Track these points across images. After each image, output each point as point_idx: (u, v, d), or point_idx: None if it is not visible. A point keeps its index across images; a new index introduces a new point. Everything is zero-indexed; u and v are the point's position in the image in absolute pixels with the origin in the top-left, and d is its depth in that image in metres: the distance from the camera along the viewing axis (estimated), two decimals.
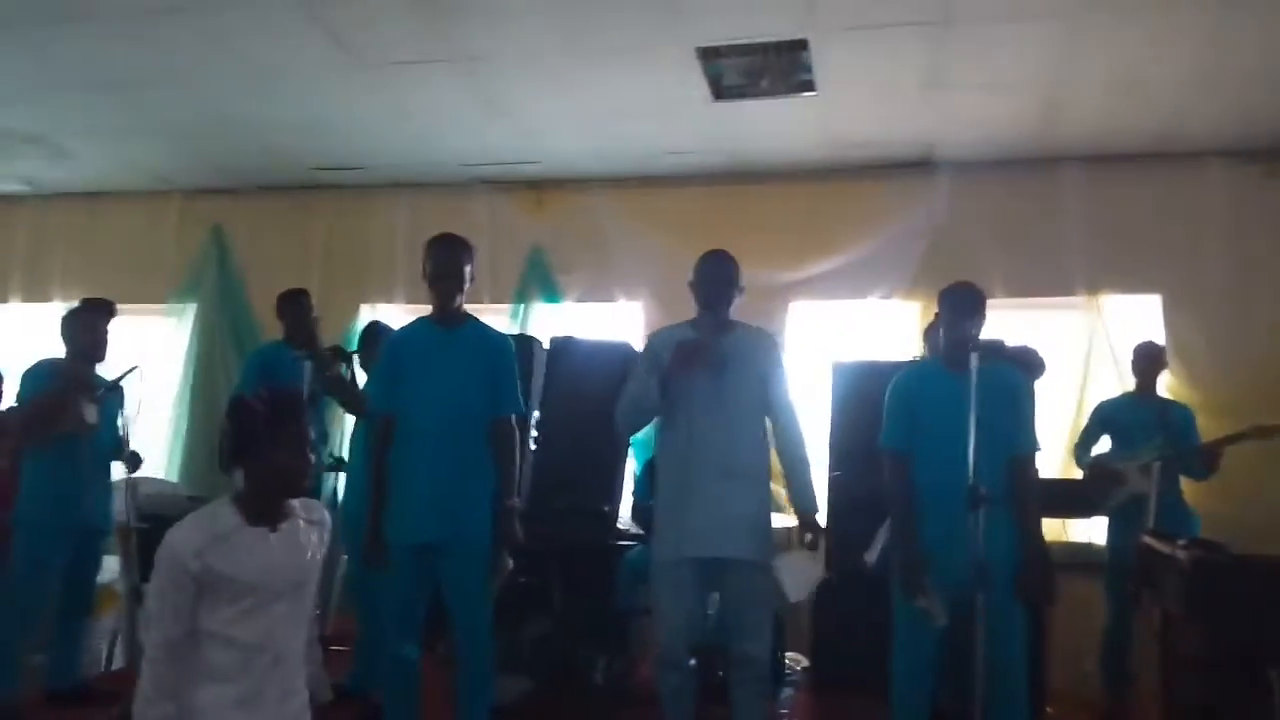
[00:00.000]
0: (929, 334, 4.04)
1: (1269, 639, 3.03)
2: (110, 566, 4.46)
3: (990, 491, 2.93)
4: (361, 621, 4.13)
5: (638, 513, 4.88)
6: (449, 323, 3.31)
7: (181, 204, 6.74)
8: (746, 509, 3.12)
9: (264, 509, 2.14)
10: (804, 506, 3.22)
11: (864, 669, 4.20)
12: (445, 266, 3.24)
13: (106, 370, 4.09)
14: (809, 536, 3.21)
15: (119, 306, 4.41)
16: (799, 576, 3.10)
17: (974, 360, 3.02)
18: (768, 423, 3.25)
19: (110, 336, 4.10)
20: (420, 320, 3.42)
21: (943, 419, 3.05)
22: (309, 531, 2.24)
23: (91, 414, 3.82)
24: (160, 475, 5.99)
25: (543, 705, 3.99)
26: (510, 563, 3.22)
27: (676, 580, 3.12)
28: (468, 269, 3.28)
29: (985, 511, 2.90)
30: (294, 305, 4.53)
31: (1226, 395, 4.82)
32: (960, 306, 3.18)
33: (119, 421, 3.99)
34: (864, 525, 4.02)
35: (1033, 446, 3.20)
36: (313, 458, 2.19)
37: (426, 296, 3.33)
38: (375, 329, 4.51)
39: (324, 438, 4.62)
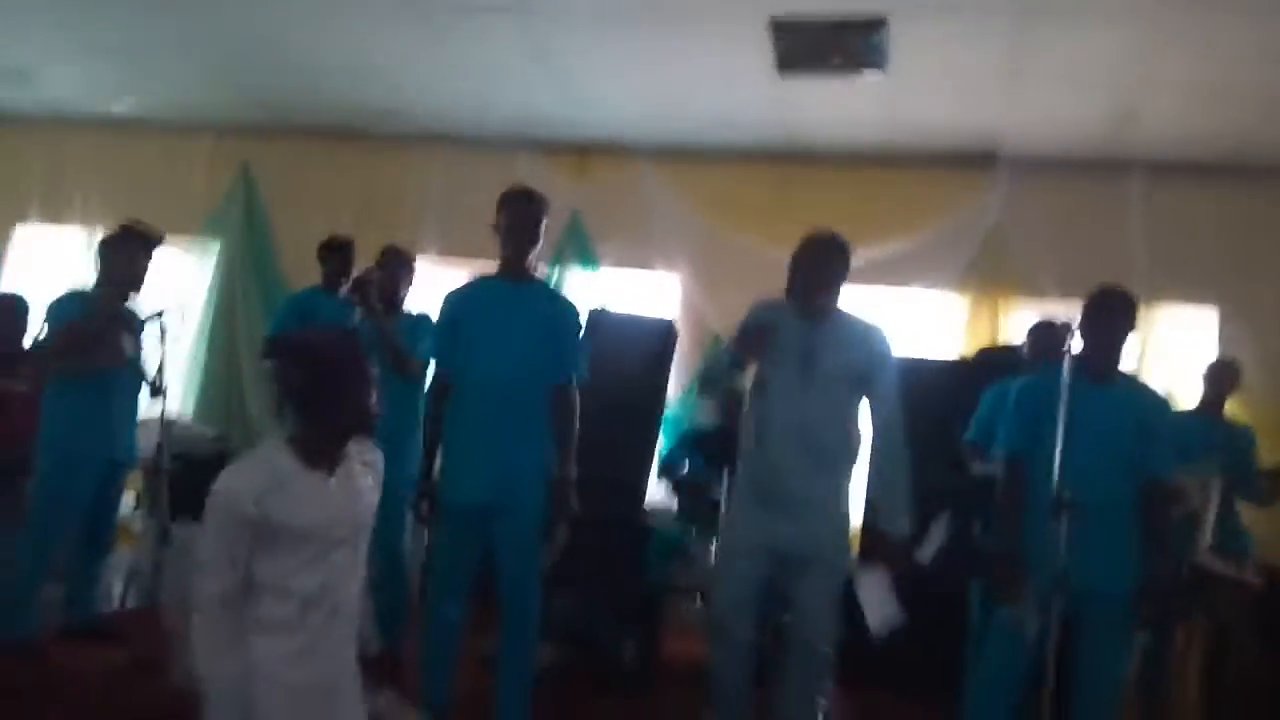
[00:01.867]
0: (1035, 334, 3.91)
1: None
2: (125, 502, 4.34)
3: (1097, 503, 2.81)
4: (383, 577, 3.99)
5: (672, 482, 4.78)
6: (517, 280, 3.17)
7: (213, 139, 6.56)
8: (827, 508, 3.00)
9: (323, 453, 2.04)
10: (889, 526, 3.00)
11: (892, 666, 4.16)
12: (521, 219, 3.11)
13: (139, 302, 3.95)
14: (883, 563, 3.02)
15: None
16: (878, 602, 2.95)
17: (1068, 364, 2.90)
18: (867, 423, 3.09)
19: (150, 269, 3.93)
20: (485, 277, 3.29)
21: (1074, 427, 2.83)
22: (364, 474, 2.15)
23: (130, 345, 3.68)
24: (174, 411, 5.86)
25: (569, 678, 3.88)
26: (567, 533, 3.10)
27: (741, 564, 3.05)
28: (543, 225, 3.15)
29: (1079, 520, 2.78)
30: (343, 253, 4.37)
31: (1277, 415, 4.73)
32: (1113, 311, 2.99)
33: (155, 355, 3.84)
34: (911, 523, 3.94)
35: (1169, 470, 3.04)
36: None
37: (458, 250, 3.19)
38: (338, 244, 4.36)
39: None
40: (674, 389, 5.39)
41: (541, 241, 3.17)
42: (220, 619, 1.92)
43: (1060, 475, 2.82)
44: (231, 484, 1.94)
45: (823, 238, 3.10)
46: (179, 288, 6.30)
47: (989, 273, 5.31)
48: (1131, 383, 3.08)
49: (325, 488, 2.03)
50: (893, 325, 5.37)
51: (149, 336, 3.88)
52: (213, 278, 6.47)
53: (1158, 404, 3.10)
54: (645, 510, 4.72)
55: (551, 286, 3.36)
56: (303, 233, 5.38)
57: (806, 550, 2.96)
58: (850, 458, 3.08)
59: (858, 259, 5.30)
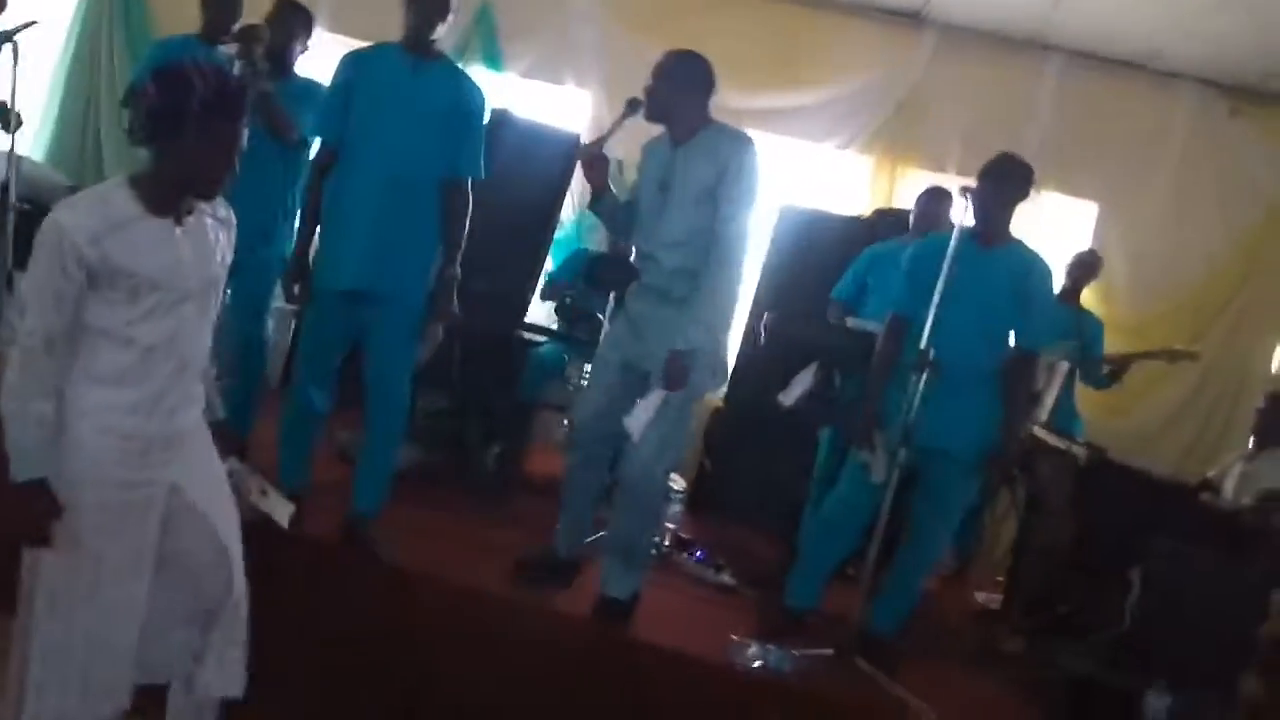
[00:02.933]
0: (929, 201, 3.92)
1: (1135, 543, 3.27)
2: None
3: (962, 366, 2.94)
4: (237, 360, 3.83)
5: (557, 303, 4.75)
6: (421, 55, 2.94)
7: None
8: (677, 336, 2.82)
9: (169, 200, 1.91)
10: (678, 343, 2.77)
11: (747, 502, 4.38)
12: None
13: None
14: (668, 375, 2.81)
15: None
16: (641, 417, 2.85)
17: (956, 232, 2.97)
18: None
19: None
20: (385, 45, 3.02)
21: (953, 291, 2.93)
22: (217, 229, 2.05)
23: None
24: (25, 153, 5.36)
25: (432, 478, 3.93)
26: (441, 333, 3.05)
27: (604, 376, 3.06)
28: None
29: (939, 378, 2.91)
30: (224, 2, 3.93)
31: (1137, 316, 5.04)
32: (1008, 180, 3.04)
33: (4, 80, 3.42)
34: (778, 366, 4.06)
35: (1036, 343, 3.16)
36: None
37: (351, 28, 2.93)
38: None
39: None
40: (569, 208, 5.27)
41: (452, 14, 2.93)
42: (40, 359, 1.83)
43: (931, 336, 2.93)
44: (66, 220, 1.81)
45: (670, 53, 2.92)
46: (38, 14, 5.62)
47: (896, 137, 5.31)
48: (1021, 249, 3.12)
49: (172, 237, 1.92)
50: (798, 177, 5.47)
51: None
52: (74, 17, 5.79)
53: (1042, 273, 3.14)
54: (525, 325, 4.69)
55: (457, 65, 3.09)
56: None
57: (648, 370, 2.90)
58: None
59: (771, 103, 5.39)
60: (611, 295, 3.90)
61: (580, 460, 3.11)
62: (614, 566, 3.03)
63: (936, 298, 2.93)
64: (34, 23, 3.38)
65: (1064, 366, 4.23)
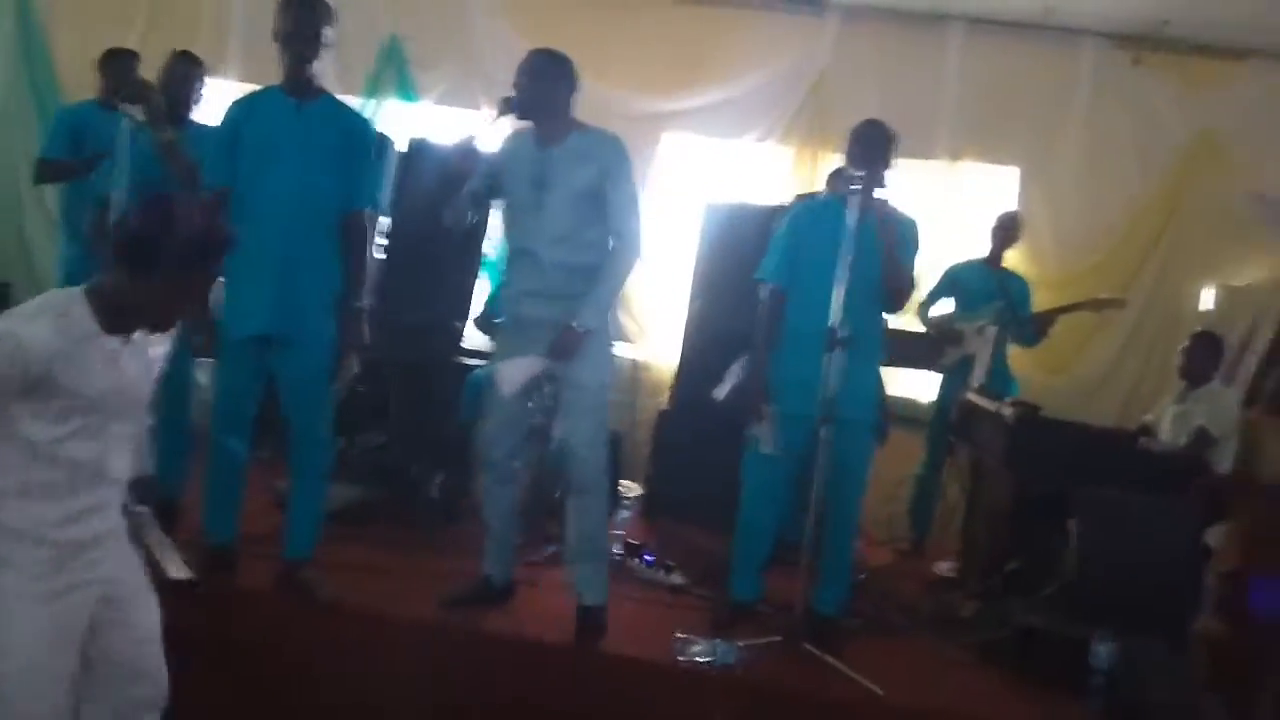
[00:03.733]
0: (834, 179, 3.96)
1: (1070, 494, 3.30)
2: None
3: (853, 333, 2.96)
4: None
5: (487, 328, 4.74)
6: (301, 95, 2.95)
7: None
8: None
9: (124, 322, 1.86)
10: (577, 320, 2.86)
11: (697, 501, 4.37)
12: (299, 24, 2.88)
13: None
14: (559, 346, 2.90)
15: None
16: (510, 375, 2.96)
17: (852, 202, 2.99)
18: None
19: None
20: (268, 89, 3.03)
21: (824, 255, 3.00)
22: (160, 342, 2.00)
23: None
24: None
25: (373, 515, 3.89)
26: (356, 365, 3.03)
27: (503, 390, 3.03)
28: (326, 31, 2.92)
29: (844, 351, 2.93)
30: (123, 63, 3.93)
31: (1065, 272, 5.09)
32: (869, 144, 3.13)
33: None
34: (717, 363, 4.07)
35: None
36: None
37: (262, 75, 3.00)
38: (117, 54, 3.96)
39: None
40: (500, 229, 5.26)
41: (326, 50, 2.94)
42: None
43: (840, 310, 2.96)
44: (24, 333, 1.74)
45: (537, 52, 2.99)
46: None
47: (812, 124, 5.34)
48: (883, 208, 3.13)
49: (119, 357, 1.87)
50: (718, 174, 5.50)
51: None
52: None
53: (907, 226, 3.24)
54: (460, 350, 4.68)
55: (339, 100, 3.10)
56: (85, 47, 4.79)
57: (556, 372, 2.94)
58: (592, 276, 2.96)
59: (686, 104, 5.43)
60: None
61: (494, 479, 3.12)
62: (586, 572, 3.04)
63: (842, 269, 2.95)
64: None
65: (992, 330, 4.28)
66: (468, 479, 4.35)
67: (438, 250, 4.53)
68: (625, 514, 3.96)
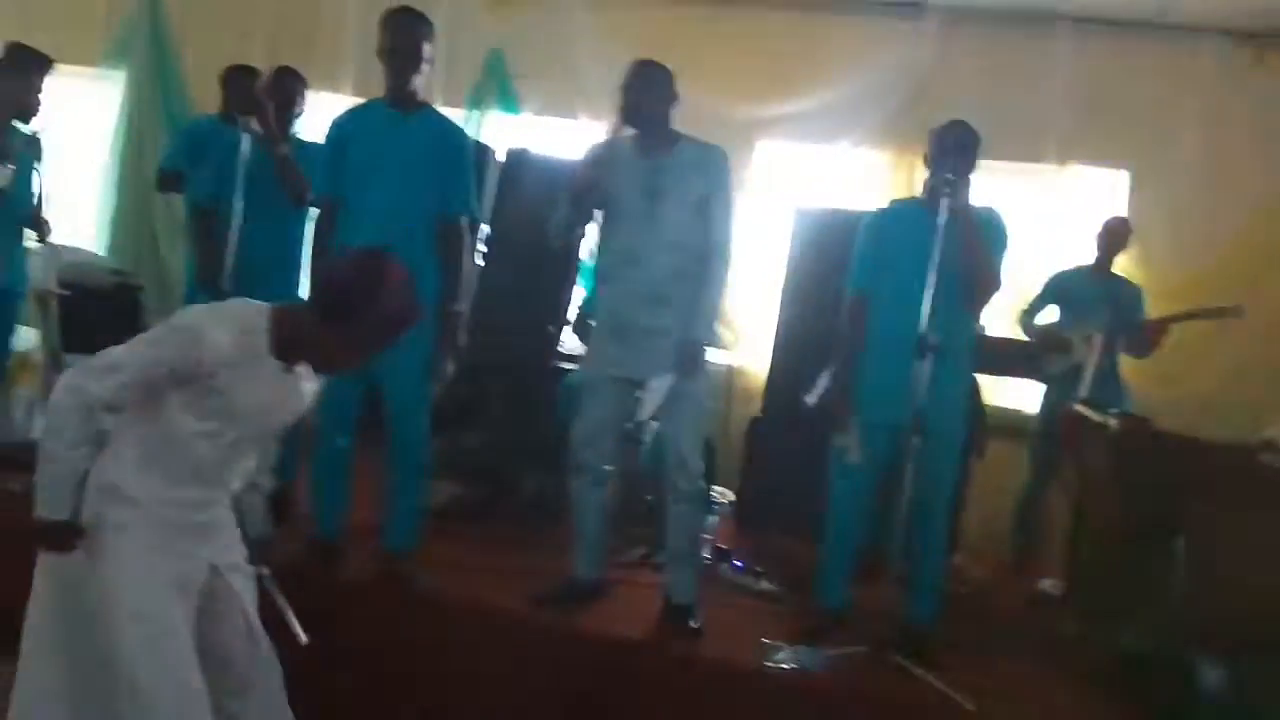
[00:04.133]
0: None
1: (1180, 512, 3.14)
2: (27, 335, 4.25)
3: (943, 340, 2.90)
4: None
5: (582, 331, 4.82)
6: (403, 107, 3.09)
7: None
8: (675, 337, 3.00)
9: (293, 354, 1.98)
10: (690, 333, 2.99)
11: (788, 508, 4.34)
12: (401, 41, 3.01)
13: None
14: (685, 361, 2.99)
15: None
16: (652, 399, 2.99)
17: (943, 205, 2.93)
18: None
19: (42, 96, 3.71)
20: (372, 102, 3.19)
21: (909, 261, 2.96)
22: (311, 379, 2.11)
23: (4, 176, 3.51)
24: (87, 247, 5.69)
25: (472, 512, 4.01)
26: (451, 368, 3.14)
27: (598, 394, 3.12)
28: (426, 47, 3.05)
29: (933, 359, 2.88)
30: (244, 81, 4.16)
31: (1179, 280, 4.83)
32: (950, 145, 3.08)
33: (34, 185, 3.69)
34: (807, 370, 4.04)
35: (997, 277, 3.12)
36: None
37: (375, 86, 3.13)
38: (239, 71, 4.17)
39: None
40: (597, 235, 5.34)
41: (426, 65, 3.07)
42: (89, 418, 1.86)
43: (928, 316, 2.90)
44: (208, 334, 1.87)
45: (644, 63, 3.06)
46: (84, 117, 6.02)
47: (911, 128, 5.23)
48: (962, 208, 3.04)
49: (277, 382, 1.99)
50: (815, 181, 5.45)
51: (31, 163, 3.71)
52: (120, 110, 6.17)
53: (996, 226, 3.16)
54: (558, 352, 4.77)
55: (439, 112, 3.22)
56: (212, 63, 5.06)
57: (642, 378, 3.00)
58: (698, 284, 3.04)
59: (785, 110, 5.40)
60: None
61: (587, 482, 3.17)
62: (679, 573, 3.12)
63: (932, 276, 2.89)
64: (37, 135, 3.58)
65: (1100, 339, 4.12)
66: (563, 480, 4.43)
67: (535, 257, 4.64)
68: (715, 519, 3.95)
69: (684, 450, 3.04)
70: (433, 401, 3.19)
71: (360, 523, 3.31)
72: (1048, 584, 4.15)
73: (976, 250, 2.99)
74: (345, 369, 2.03)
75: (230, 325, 1.91)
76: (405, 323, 1.95)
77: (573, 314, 4.86)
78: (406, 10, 3.05)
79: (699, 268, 3.01)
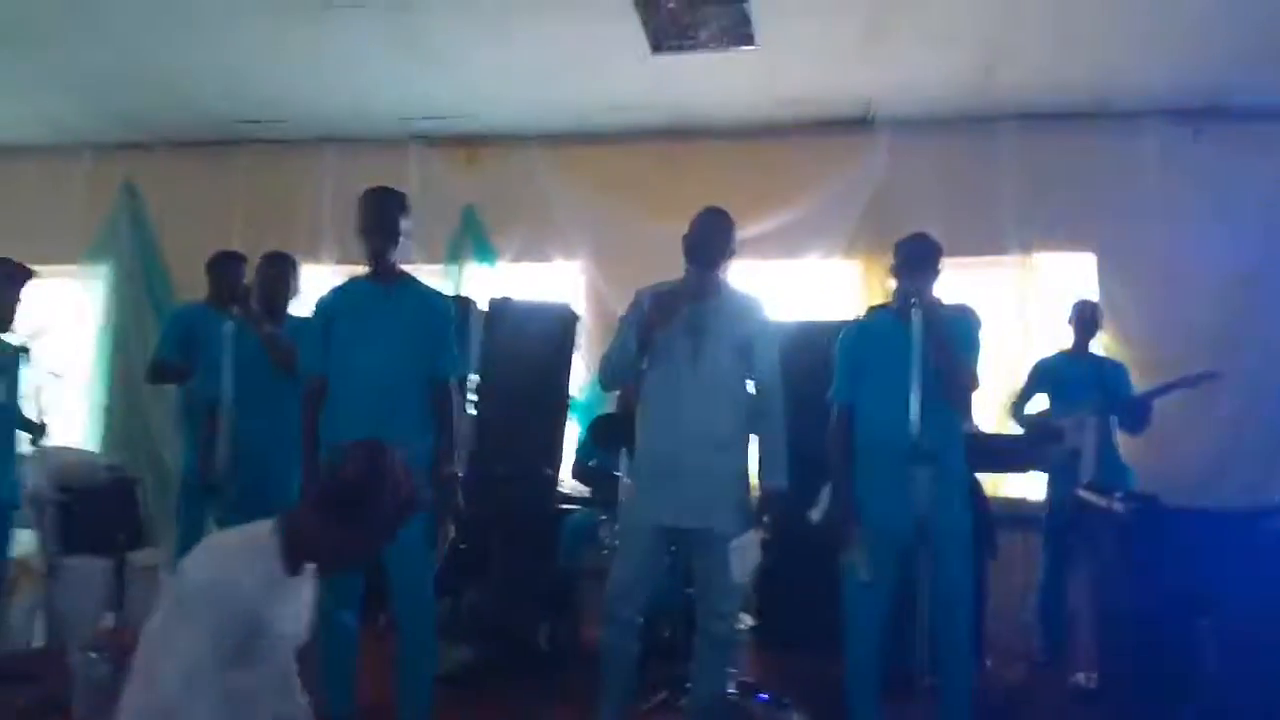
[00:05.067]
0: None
1: (1199, 589, 3.09)
2: (25, 539, 4.23)
3: (936, 445, 2.91)
4: None
5: (581, 473, 4.81)
6: (385, 280, 3.17)
7: (91, 160, 6.35)
8: (725, 481, 3.03)
9: (300, 561, 1.94)
10: (772, 482, 3.10)
11: (808, 628, 4.24)
12: (377, 219, 3.12)
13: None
14: (766, 518, 3.09)
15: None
16: (746, 557, 3.02)
17: (916, 315, 2.99)
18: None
19: (20, 304, 3.81)
20: (355, 278, 3.28)
21: (890, 370, 3.00)
22: (311, 582, 2.08)
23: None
24: (78, 445, 5.69)
25: (486, 672, 3.91)
26: (452, 531, 3.12)
27: (637, 544, 3.08)
28: (402, 222, 3.15)
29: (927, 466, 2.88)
30: (228, 267, 4.29)
31: (1156, 353, 4.89)
32: (913, 257, 3.15)
33: (21, 390, 3.73)
34: (805, 486, 4.02)
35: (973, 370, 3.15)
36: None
37: (356, 256, 3.24)
38: (223, 257, 4.31)
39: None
40: (584, 374, 5.40)
41: (404, 237, 3.17)
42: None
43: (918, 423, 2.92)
44: (225, 578, 1.80)
45: (712, 212, 3.17)
46: (68, 316, 6.13)
47: (876, 235, 5.40)
48: (931, 310, 3.08)
49: (296, 595, 1.97)
50: (789, 295, 5.55)
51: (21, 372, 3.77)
52: (105, 303, 6.29)
53: (966, 325, 3.21)
54: (557, 496, 4.75)
55: (419, 281, 3.31)
56: (194, 249, 5.23)
57: (702, 525, 2.99)
58: (742, 429, 3.12)
59: (750, 232, 5.55)
60: (624, 451, 3.96)
61: (618, 633, 3.09)
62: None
63: (915, 382, 2.92)
64: (27, 346, 3.66)
65: (1093, 421, 4.14)
66: (575, 623, 4.35)
67: (527, 399, 4.69)
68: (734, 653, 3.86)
69: (722, 599, 3.02)
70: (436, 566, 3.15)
71: (371, 700, 3.23)
72: (1082, 678, 4.03)
73: (948, 352, 3.03)
74: (357, 565, 1.99)
75: (240, 557, 1.87)
76: (411, 508, 1.94)
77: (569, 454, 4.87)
78: (382, 190, 3.18)
79: (739, 411, 3.06)
